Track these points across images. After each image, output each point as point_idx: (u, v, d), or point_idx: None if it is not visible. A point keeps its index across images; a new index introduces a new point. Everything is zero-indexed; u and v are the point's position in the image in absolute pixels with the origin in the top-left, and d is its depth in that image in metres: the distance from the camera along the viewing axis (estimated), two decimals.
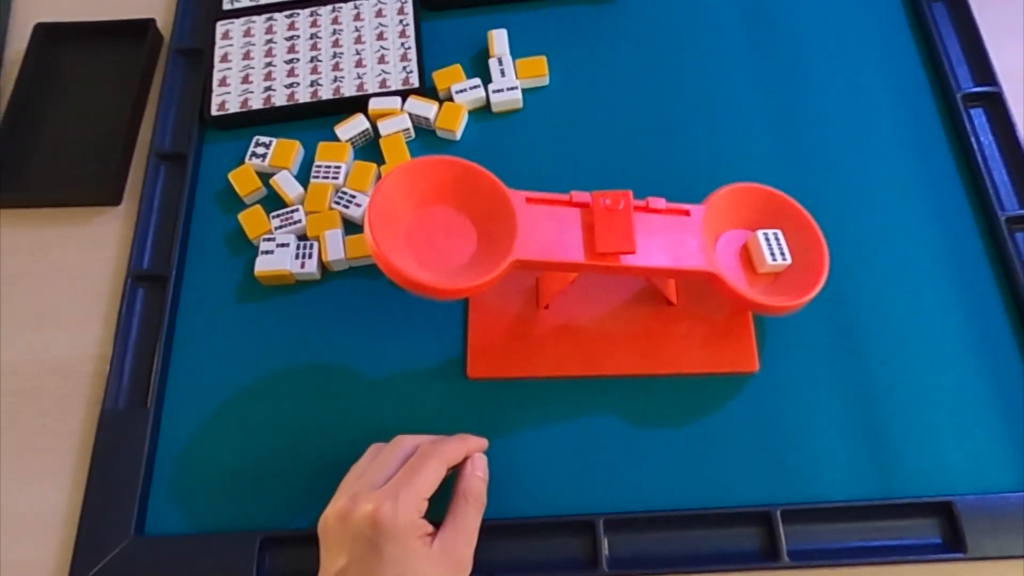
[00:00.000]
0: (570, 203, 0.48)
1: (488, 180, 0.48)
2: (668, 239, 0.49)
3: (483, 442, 0.49)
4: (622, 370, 0.53)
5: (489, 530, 0.47)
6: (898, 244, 0.56)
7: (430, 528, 0.44)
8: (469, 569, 0.44)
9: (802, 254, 0.51)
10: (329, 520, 0.44)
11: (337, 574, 0.42)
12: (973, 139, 0.59)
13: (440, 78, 0.64)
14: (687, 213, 0.50)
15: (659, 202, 0.49)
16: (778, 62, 0.64)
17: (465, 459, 0.47)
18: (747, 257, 0.52)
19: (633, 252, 0.46)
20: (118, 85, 0.66)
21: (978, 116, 0.61)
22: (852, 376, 0.52)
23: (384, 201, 0.46)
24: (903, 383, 0.52)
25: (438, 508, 0.45)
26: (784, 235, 0.51)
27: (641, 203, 0.49)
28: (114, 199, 0.62)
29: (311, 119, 0.64)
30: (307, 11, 0.67)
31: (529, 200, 0.48)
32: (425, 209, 0.48)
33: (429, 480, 0.44)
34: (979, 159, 0.58)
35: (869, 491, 0.49)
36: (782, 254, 0.51)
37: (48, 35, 0.68)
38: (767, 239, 0.51)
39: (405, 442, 0.46)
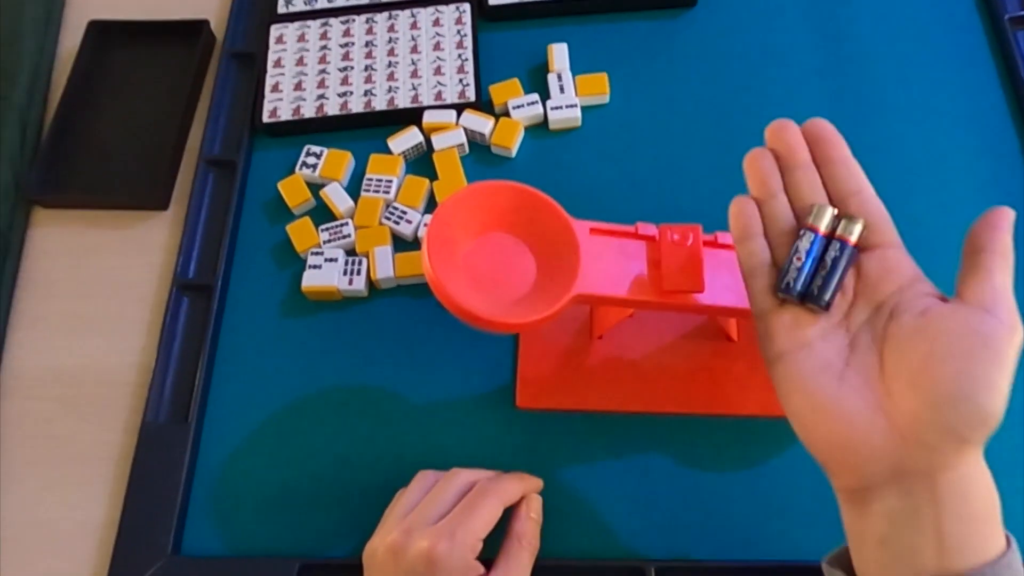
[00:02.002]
0: (635, 235, 0.46)
1: (551, 208, 0.46)
2: (736, 277, 0.46)
3: (539, 482, 0.47)
4: (678, 408, 0.51)
5: (534, 571, 0.45)
6: None
7: (482, 569, 0.42)
8: None
9: None
10: (379, 552, 0.42)
11: None
12: None
13: (497, 92, 0.62)
14: None
15: (729, 237, 0.47)
16: (851, 84, 0.61)
17: (520, 499, 0.46)
18: None
19: (701, 291, 0.44)
20: (170, 86, 0.65)
21: None
22: None
23: (443, 226, 0.44)
24: None
25: (488, 547, 0.43)
26: None
27: (709, 237, 0.47)
28: (162, 204, 0.61)
29: (363, 129, 0.62)
30: (363, 17, 0.66)
31: (593, 231, 0.46)
32: (484, 236, 0.46)
33: (486, 519, 0.42)
34: None
35: None
36: None
37: (101, 33, 0.67)
38: None
39: (460, 476, 0.45)
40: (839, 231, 0.38)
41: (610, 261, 0.45)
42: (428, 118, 0.61)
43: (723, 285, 0.46)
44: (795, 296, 0.37)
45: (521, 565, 0.43)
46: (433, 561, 0.40)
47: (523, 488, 0.46)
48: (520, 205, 0.46)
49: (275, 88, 0.63)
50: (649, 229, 0.46)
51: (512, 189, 0.46)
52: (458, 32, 0.64)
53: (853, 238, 0.38)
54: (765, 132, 0.41)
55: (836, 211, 0.39)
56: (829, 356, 0.36)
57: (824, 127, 0.41)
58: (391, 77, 0.63)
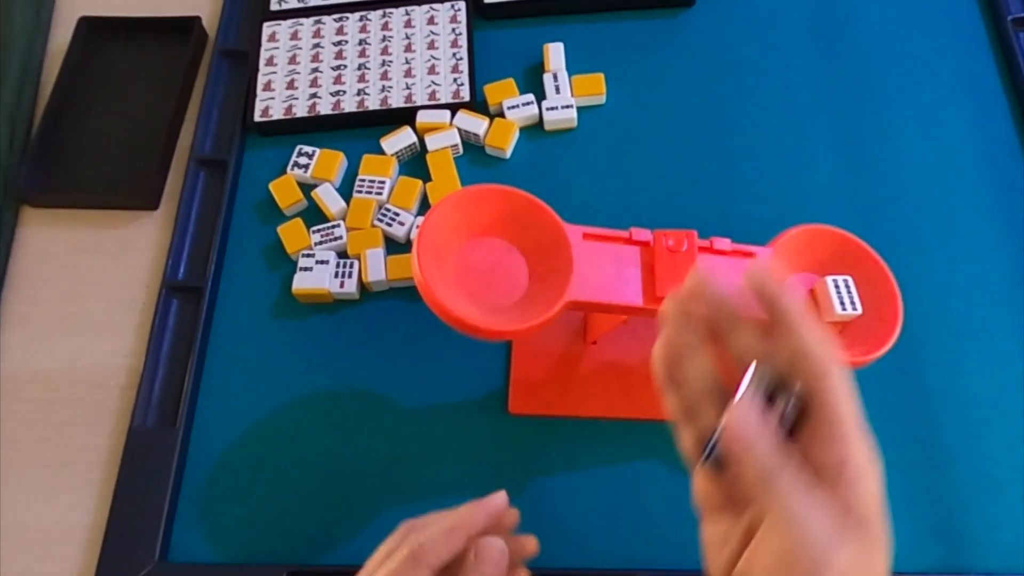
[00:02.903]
0: (629, 241, 0.45)
1: (544, 213, 0.45)
2: (732, 283, 0.45)
3: (494, 509, 0.39)
4: None
5: None
6: (976, 295, 0.53)
7: None
8: None
9: (874, 304, 0.48)
10: None
11: None
12: None
13: (492, 92, 0.61)
14: (752, 256, 0.47)
15: (724, 243, 0.46)
16: (852, 89, 0.61)
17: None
18: (813, 304, 0.49)
19: None
20: (161, 84, 0.64)
21: None
22: (921, 435, 0.49)
23: (434, 231, 0.43)
24: (976, 447, 0.48)
25: None
26: (855, 282, 0.48)
27: (705, 243, 0.46)
28: (152, 204, 0.60)
29: (356, 129, 0.61)
30: (356, 15, 0.65)
31: (586, 236, 0.45)
32: (476, 240, 0.45)
33: None
34: None
35: (934, 563, 0.46)
36: (852, 303, 0.47)
37: (92, 29, 0.67)
38: (836, 286, 0.47)
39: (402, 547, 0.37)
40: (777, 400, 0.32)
41: (603, 267, 0.44)
42: (422, 118, 0.60)
43: None
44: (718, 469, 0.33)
45: None
46: None
47: (456, 539, 0.37)
48: (513, 209, 0.45)
49: (267, 87, 0.62)
50: (643, 234, 0.45)
51: (504, 193, 0.45)
52: (453, 31, 0.63)
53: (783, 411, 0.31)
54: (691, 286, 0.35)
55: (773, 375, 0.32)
56: (727, 532, 0.32)
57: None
58: (385, 76, 0.62)
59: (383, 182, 0.58)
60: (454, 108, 0.60)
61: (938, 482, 0.48)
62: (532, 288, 0.44)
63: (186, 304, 0.56)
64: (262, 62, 0.63)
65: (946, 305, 0.53)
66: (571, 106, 0.60)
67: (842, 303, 0.47)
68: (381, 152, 0.59)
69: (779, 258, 0.48)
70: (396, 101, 0.61)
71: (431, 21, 0.64)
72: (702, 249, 0.45)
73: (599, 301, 0.44)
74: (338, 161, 0.59)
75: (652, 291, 0.44)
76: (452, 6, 0.64)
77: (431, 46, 0.63)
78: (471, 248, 0.45)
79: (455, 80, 0.61)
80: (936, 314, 0.52)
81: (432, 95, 0.61)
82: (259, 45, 0.64)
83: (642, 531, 0.48)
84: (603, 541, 0.48)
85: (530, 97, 0.60)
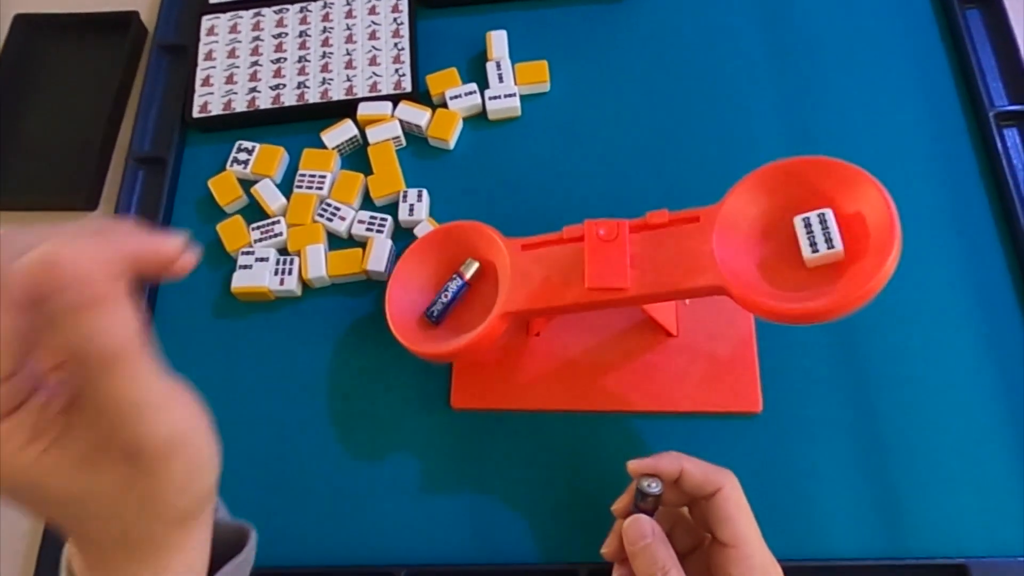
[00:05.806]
0: (561, 241, 0.45)
1: (483, 234, 0.46)
2: (672, 255, 0.43)
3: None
4: (616, 406, 0.50)
5: None
6: (921, 277, 0.52)
7: None
8: None
9: (858, 235, 0.40)
10: None
11: None
12: (1004, 161, 0.55)
13: (434, 82, 0.60)
14: (696, 219, 0.43)
15: (661, 215, 0.44)
16: (797, 71, 0.60)
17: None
18: (796, 252, 0.41)
19: (625, 287, 0.43)
20: (99, 81, 0.63)
21: (1011, 136, 0.56)
22: (863, 422, 0.48)
23: (399, 297, 0.47)
24: (919, 433, 0.48)
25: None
26: (836, 214, 0.40)
27: (639, 221, 0.44)
28: (90, 204, 0.59)
29: (297, 123, 0.60)
30: (296, 7, 0.63)
31: (525, 247, 0.45)
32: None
33: None
34: (1011, 184, 0.54)
35: (877, 549, 0.45)
36: (828, 240, 0.40)
37: (28, 26, 0.65)
38: (807, 225, 0.41)
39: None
40: None
41: (538, 272, 0.44)
42: (363, 110, 0.59)
43: (654, 269, 0.42)
44: None
45: None
46: None
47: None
48: (459, 241, 0.46)
49: (206, 82, 0.61)
50: (575, 231, 0.45)
51: (447, 231, 0.46)
52: (395, 20, 0.62)
53: None
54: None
55: None
56: None
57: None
58: (325, 68, 0.61)
59: (324, 176, 0.57)
60: (396, 99, 0.59)
61: (881, 468, 0.47)
62: (469, 307, 0.45)
63: None
64: (201, 57, 0.62)
65: (891, 290, 0.52)
66: (514, 95, 0.59)
67: (813, 244, 0.40)
68: (322, 146, 0.58)
69: (737, 210, 0.43)
70: (337, 94, 0.60)
71: (372, 11, 0.63)
72: (636, 228, 0.44)
73: (531, 308, 0.44)
74: (278, 156, 0.58)
75: (582, 283, 0.43)
76: None
77: (372, 36, 0.62)
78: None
79: (396, 71, 0.60)
80: (881, 300, 0.51)
81: (373, 86, 0.60)
82: (198, 39, 0.63)
83: (587, 525, 0.47)
84: (547, 535, 0.47)
85: (473, 87, 0.59)
